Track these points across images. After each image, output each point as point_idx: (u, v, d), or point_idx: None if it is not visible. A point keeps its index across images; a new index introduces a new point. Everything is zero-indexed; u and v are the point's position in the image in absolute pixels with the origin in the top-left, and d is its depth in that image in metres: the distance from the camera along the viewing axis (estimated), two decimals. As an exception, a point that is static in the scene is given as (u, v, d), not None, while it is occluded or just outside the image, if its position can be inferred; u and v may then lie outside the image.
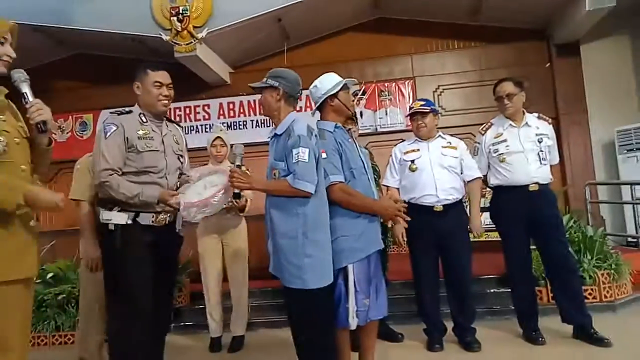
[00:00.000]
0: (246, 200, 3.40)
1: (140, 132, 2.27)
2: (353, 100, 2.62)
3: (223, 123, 6.96)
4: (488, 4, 6.24)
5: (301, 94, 2.38)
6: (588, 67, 6.52)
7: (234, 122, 7.01)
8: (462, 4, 6.40)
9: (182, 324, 4.21)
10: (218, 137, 3.58)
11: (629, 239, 5.74)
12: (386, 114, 6.83)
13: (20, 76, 1.64)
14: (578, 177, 6.22)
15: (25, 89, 1.64)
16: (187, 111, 7.13)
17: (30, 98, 1.63)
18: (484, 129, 3.34)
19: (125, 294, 2.14)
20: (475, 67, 6.80)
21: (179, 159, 2.42)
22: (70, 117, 7.21)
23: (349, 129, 2.64)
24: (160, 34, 5.93)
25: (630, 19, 6.41)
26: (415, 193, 3.14)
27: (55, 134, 6.92)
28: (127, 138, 2.23)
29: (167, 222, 2.29)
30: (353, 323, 2.29)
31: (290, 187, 2.11)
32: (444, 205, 3.11)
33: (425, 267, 3.18)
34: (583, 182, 5.78)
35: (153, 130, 2.33)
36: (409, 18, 6.89)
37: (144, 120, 2.32)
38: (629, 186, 5.75)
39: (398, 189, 3.25)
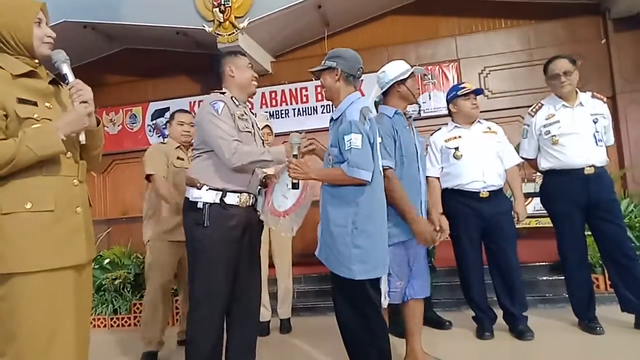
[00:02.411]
0: None
1: (238, 113, 2.27)
2: (418, 88, 2.57)
3: (265, 112, 7.03)
4: (537, -22, 5.94)
5: (362, 72, 2.26)
6: (649, 41, 6.09)
7: (276, 110, 7.07)
8: (509, -20, 6.13)
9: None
10: (267, 125, 3.64)
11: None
12: (430, 98, 6.67)
13: (60, 57, 1.59)
14: (637, 159, 5.86)
15: (66, 69, 1.58)
16: (230, 101, 7.25)
17: (71, 79, 1.57)
18: (534, 110, 3.18)
19: (207, 278, 2.16)
20: (523, 46, 6.50)
21: (263, 144, 2.45)
22: (120, 110, 7.49)
23: (409, 117, 2.58)
24: (203, 26, 6.04)
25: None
26: (461, 180, 3.04)
27: (107, 127, 7.22)
28: (232, 114, 2.24)
29: (250, 204, 2.31)
30: (384, 302, 2.32)
31: (345, 175, 2.05)
32: (489, 192, 3.03)
33: (471, 254, 3.10)
34: (643, 164, 5.45)
35: (245, 113, 2.34)
36: (452, -2, 6.67)
37: (237, 103, 2.33)
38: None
39: (438, 178, 3.11)
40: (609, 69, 6.16)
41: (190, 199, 2.22)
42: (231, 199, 2.21)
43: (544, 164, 3.13)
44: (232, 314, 2.34)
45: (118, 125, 7.49)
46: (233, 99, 2.32)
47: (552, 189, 3.11)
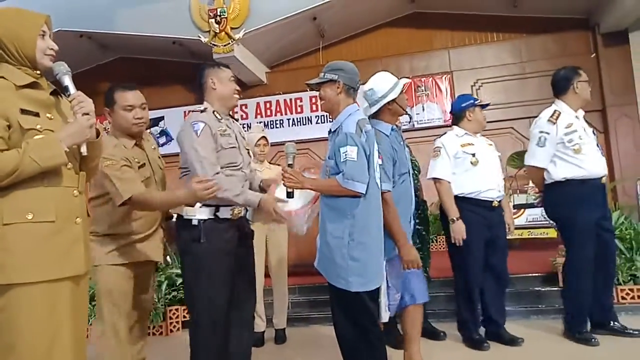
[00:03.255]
0: None
1: (220, 129, 2.27)
2: (407, 99, 2.60)
3: (260, 122, 7.07)
4: (529, -7, 6.06)
5: (359, 84, 2.29)
6: (638, 56, 6.21)
7: (270, 120, 7.10)
8: (501, -6, 6.25)
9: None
10: (263, 137, 3.65)
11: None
12: (423, 109, 6.75)
13: (61, 69, 1.60)
14: (627, 172, 5.95)
15: (67, 81, 1.59)
16: (225, 111, 7.28)
17: (72, 90, 1.58)
18: (555, 117, 3.04)
19: (208, 294, 2.17)
20: (515, 59, 6.62)
21: (248, 153, 2.46)
22: (114, 119, 7.48)
23: (399, 128, 2.60)
24: (199, 36, 6.07)
25: (684, 4, 6.06)
26: (478, 187, 3.05)
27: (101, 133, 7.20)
28: (213, 134, 2.22)
29: (242, 215, 2.33)
30: (386, 316, 2.33)
31: (339, 186, 2.08)
32: (498, 201, 3.10)
33: (479, 263, 3.09)
34: (633, 176, 5.53)
35: (228, 127, 2.33)
36: (445, 11, 6.78)
37: (219, 117, 2.32)
38: (684, 180, 5.45)
39: (449, 182, 3.07)
40: (599, 83, 6.27)
41: (185, 217, 2.23)
42: (224, 212, 2.23)
43: (562, 173, 3.02)
44: (228, 324, 2.32)
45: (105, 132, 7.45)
46: (215, 113, 2.31)
47: (574, 198, 2.99)
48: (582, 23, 6.42)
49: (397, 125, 2.56)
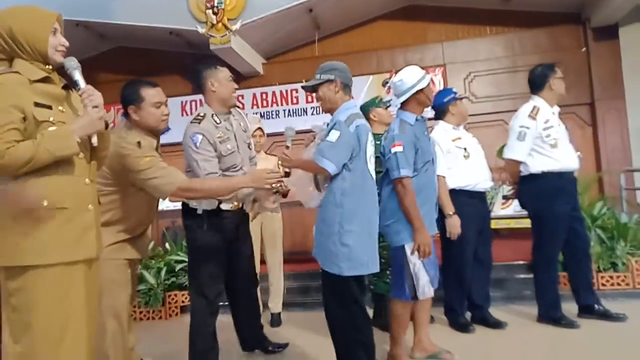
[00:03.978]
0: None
1: (218, 135, 2.46)
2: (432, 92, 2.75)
3: (256, 113, 7.15)
4: (521, -12, 6.15)
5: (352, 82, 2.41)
6: (626, 50, 6.32)
7: (266, 111, 7.18)
8: (494, -12, 6.34)
9: (222, 303, 4.43)
10: (259, 127, 3.78)
11: (668, 227, 5.62)
12: (417, 101, 6.85)
13: (72, 64, 1.68)
14: (614, 164, 6.09)
15: (77, 76, 1.68)
16: (222, 101, 7.35)
17: (82, 85, 1.67)
18: (534, 113, 3.18)
19: (200, 262, 2.51)
20: (507, 53, 6.72)
21: (248, 146, 2.64)
22: (112, 108, 7.52)
23: (425, 119, 2.69)
24: (196, 27, 6.13)
25: (672, 0, 6.18)
26: (472, 180, 3.18)
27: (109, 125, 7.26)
28: (212, 143, 2.43)
29: (240, 206, 2.63)
30: (429, 292, 2.53)
31: (312, 162, 2.24)
32: (487, 192, 3.27)
33: (471, 252, 3.24)
34: (619, 168, 5.68)
35: (227, 129, 2.51)
36: (439, 5, 6.85)
37: (218, 121, 2.49)
38: (667, 173, 5.63)
39: (444, 177, 3.17)
40: (588, 77, 6.40)
41: (191, 206, 2.51)
42: (225, 205, 2.53)
43: (539, 166, 3.16)
44: (237, 299, 2.78)
45: (110, 124, 7.49)
46: (213, 117, 2.48)
47: (549, 191, 3.15)
48: (573, 17, 6.51)
49: (421, 116, 2.66)
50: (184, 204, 2.56)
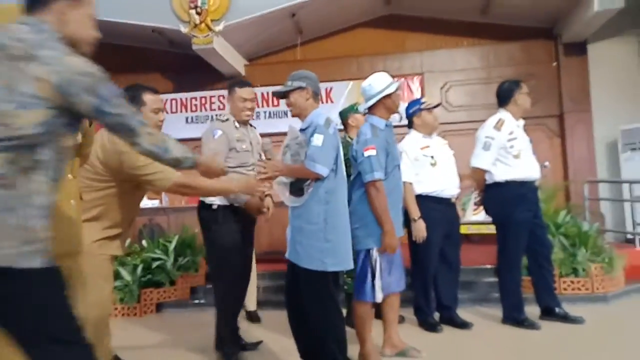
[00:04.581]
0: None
1: (237, 136, 2.87)
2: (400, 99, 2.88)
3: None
4: (497, 2, 6.37)
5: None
6: (594, 66, 6.64)
7: (247, 113, 7.24)
8: (471, 2, 6.54)
9: (198, 302, 4.50)
10: None
11: (628, 236, 5.91)
12: (395, 108, 7.01)
13: None
14: (580, 174, 6.37)
15: None
16: (203, 101, 7.37)
17: None
18: (499, 124, 3.34)
19: (225, 258, 2.84)
20: (483, 64, 6.95)
21: (260, 156, 3.00)
22: (90, 104, 7.48)
23: (391, 125, 2.81)
24: (179, 27, 6.15)
25: (637, 19, 6.51)
26: (438, 186, 3.31)
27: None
28: (230, 140, 2.83)
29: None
30: (379, 296, 2.64)
31: (305, 168, 2.33)
32: (455, 197, 3.43)
33: (435, 255, 3.37)
34: (584, 179, 5.94)
35: (244, 134, 2.94)
36: (419, 15, 7.04)
37: (237, 126, 2.91)
38: (628, 184, 5.90)
39: (411, 183, 3.30)
40: (558, 90, 6.68)
41: (207, 202, 2.86)
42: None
43: (503, 175, 3.33)
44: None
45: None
46: (234, 122, 2.91)
47: (511, 198, 3.31)
48: (546, 33, 6.78)
49: (390, 122, 2.78)
50: (200, 200, 2.91)
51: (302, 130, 2.48)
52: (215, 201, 2.83)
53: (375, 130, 2.65)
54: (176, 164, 1.51)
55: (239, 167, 2.85)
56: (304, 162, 2.33)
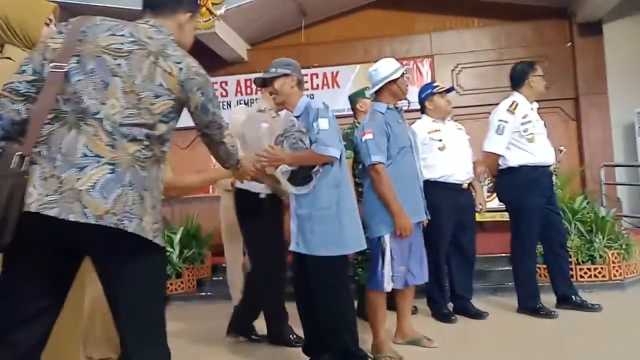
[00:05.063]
0: None
1: (276, 126, 2.77)
2: (407, 85, 2.76)
3: (240, 100, 7.06)
4: (509, -20, 6.15)
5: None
6: (610, 47, 6.40)
7: (251, 99, 7.07)
8: (482, -20, 6.32)
9: (204, 294, 4.41)
10: None
11: (645, 221, 5.75)
12: (403, 92, 6.83)
13: None
14: (596, 159, 6.18)
15: None
16: (206, 88, 7.23)
17: None
18: (513, 107, 3.24)
19: (271, 247, 2.83)
20: (494, 45, 6.73)
21: None
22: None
23: (400, 110, 2.73)
24: (179, 11, 5.98)
25: (655, -3, 6.26)
26: (446, 171, 3.21)
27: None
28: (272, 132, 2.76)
29: None
30: (388, 287, 2.54)
31: (314, 154, 2.26)
32: (468, 184, 3.29)
33: (446, 243, 3.28)
34: (600, 163, 5.76)
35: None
36: (427, -6, 6.82)
37: (274, 115, 2.88)
38: (646, 168, 5.74)
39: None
40: (573, 72, 6.45)
41: (252, 191, 2.80)
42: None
43: (517, 160, 3.23)
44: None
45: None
46: (272, 111, 2.87)
47: (524, 183, 3.22)
48: (559, 12, 6.54)
49: (396, 107, 2.71)
50: (240, 189, 2.85)
51: (295, 117, 2.42)
52: (263, 190, 2.80)
53: (373, 115, 2.64)
54: (238, 164, 1.72)
55: None
56: (313, 148, 2.26)
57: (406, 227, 2.49)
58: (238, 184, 2.86)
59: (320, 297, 2.33)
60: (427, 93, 3.35)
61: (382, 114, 2.62)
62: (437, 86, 3.38)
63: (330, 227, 2.26)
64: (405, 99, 2.75)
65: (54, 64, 1.24)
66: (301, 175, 2.30)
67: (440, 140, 3.22)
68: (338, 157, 2.29)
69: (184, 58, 1.36)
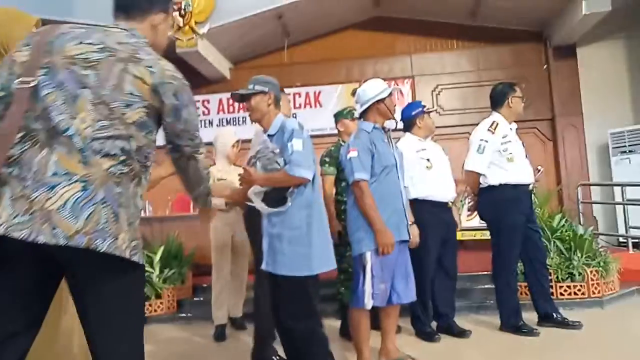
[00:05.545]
0: None
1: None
2: (395, 105, 2.79)
3: (222, 118, 7.05)
4: (487, 4, 6.34)
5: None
6: (584, 69, 6.64)
7: (233, 117, 7.09)
8: (461, 4, 6.50)
9: (185, 315, 4.30)
10: (238, 140, 3.82)
11: (620, 239, 5.87)
12: (385, 112, 6.92)
13: None
14: (572, 178, 6.34)
15: None
16: (188, 106, 7.19)
17: None
18: (493, 127, 3.29)
19: None
20: (473, 67, 6.91)
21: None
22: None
23: (387, 130, 2.75)
24: (162, 29, 5.99)
25: (625, 23, 6.52)
26: (433, 190, 3.22)
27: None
28: None
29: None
30: (369, 304, 2.51)
31: (287, 175, 2.23)
32: (451, 202, 3.32)
33: (432, 261, 3.26)
34: (576, 183, 5.89)
35: None
36: (409, 17, 6.99)
37: None
38: (620, 187, 5.87)
39: (406, 187, 3.15)
40: (549, 93, 6.65)
41: (257, 207, 2.71)
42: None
43: (497, 179, 3.26)
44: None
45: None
46: None
47: (504, 202, 3.24)
48: (536, 36, 6.77)
49: (383, 127, 2.73)
50: (249, 207, 2.80)
51: (270, 135, 2.39)
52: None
53: (358, 134, 2.67)
54: (208, 193, 1.61)
55: None
56: (286, 169, 2.24)
57: (388, 244, 2.49)
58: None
59: (289, 319, 2.29)
60: (418, 111, 3.38)
61: (368, 132, 2.64)
62: (424, 106, 3.45)
63: (299, 247, 2.24)
64: (393, 118, 2.77)
65: (20, 79, 1.20)
66: (275, 196, 2.28)
67: (428, 159, 3.25)
68: (311, 178, 2.26)
69: (157, 62, 1.30)
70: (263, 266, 2.33)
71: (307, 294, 2.27)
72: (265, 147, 2.33)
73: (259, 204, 2.31)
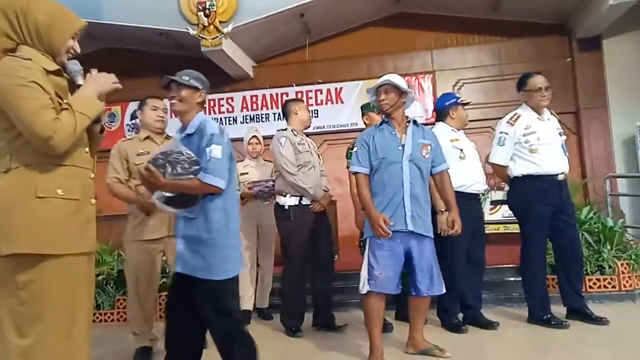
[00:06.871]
0: None
1: (297, 140, 3.44)
2: (381, 100, 2.83)
3: (246, 116, 7.15)
4: (508, -2, 6.29)
5: None
6: (609, 61, 6.53)
7: (256, 114, 7.17)
8: (482, -2, 6.47)
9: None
10: (254, 135, 3.98)
11: (649, 232, 5.75)
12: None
13: (76, 67, 1.71)
14: (598, 171, 6.25)
15: (80, 80, 1.70)
16: (212, 104, 7.31)
17: None
18: (513, 119, 3.29)
19: (296, 252, 3.36)
20: (494, 61, 6.86)
21: (318, 156, 3.63)
22: (98, 109, 7.44)
23: (409, 121, 2.82)
24: (187, 29, 6.11)
25: (652, 13, 6.39)
26: (466, 181, 3.23)
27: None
28: (292, 143, 3.40)
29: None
30: (363, 289, 2.65)
31: (200, 183, 2.13)
32: (482, 194, 3.32)
33: (462, 252, 3.26)
34: (603, 175, 5.81)
35: (302, 139, 3.50)
36: (428, 13, 6.97)
37: (296, 133, 3.49)
38: (648, 180, 5.78)
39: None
40: (573, 86, 6.56)
41: (280, 203, 3.44)
42: (305, 200, 3.41)
43: (520, 170, 3.26)
44: (314, 279, 3.52)
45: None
46: (292, 131, 3.47)
47: (529, 193, 3.24)
48: (559, 29, 6.69)
49: (386, 121, 2.79)
50: (276, 203, 3.47)
51: (188, 135, 2.26)
52: (287, 203, 3.37)
53: (366, 130, 2.85)
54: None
55: (304, 165, 3.40)
56: (200, 176, 2.12)
57: (375, 227, 2.59)
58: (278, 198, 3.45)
59: (210, 321, 2.20)
60: (451, 102, 3.40)
61: (375, 128, 2.80)
62: (459, 97, 3.49)
63: (217, 250, 2.16)
64: (382, 112, 2.85)
65: None
66: (184, 199, 2.18)
67: (462, 149, 3.26)
68: (224, 188, 2.16)
69: None
70: (178, 269, 2.20)
71: (227, 295, 2.19)
72: (178, 152, 2.16)
73: (167, 208, 2.20)
